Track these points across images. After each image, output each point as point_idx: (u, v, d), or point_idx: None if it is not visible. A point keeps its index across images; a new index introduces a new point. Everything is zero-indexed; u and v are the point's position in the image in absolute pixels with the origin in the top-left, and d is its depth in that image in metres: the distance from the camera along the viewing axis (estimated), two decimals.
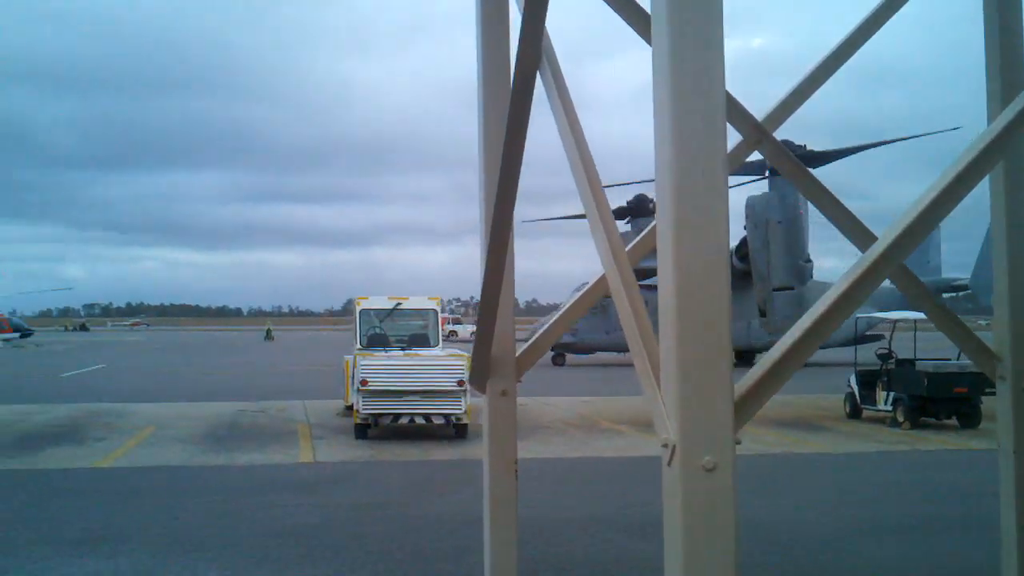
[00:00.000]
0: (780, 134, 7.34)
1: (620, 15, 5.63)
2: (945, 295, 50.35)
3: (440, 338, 21.07)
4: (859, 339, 48.10)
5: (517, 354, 6.34)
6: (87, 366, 42.65)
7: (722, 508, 3.27)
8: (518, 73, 4.63)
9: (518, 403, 6.44)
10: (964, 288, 49.24)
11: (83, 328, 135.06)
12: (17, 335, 71.72)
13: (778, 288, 36.95)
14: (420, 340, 20.57)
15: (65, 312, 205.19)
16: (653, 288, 3.61)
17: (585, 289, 6.50)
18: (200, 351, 63.30)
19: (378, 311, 21.11)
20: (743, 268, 40.59)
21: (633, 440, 17.75)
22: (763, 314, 40.50)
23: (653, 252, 3.72)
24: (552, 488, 12.85)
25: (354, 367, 18.01)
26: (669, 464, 3.34)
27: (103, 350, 60.81)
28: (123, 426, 19.53)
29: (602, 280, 5.77)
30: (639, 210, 46.03)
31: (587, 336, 44.89)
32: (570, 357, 46.04)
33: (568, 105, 5.02)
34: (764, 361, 3.87)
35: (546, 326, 6.74)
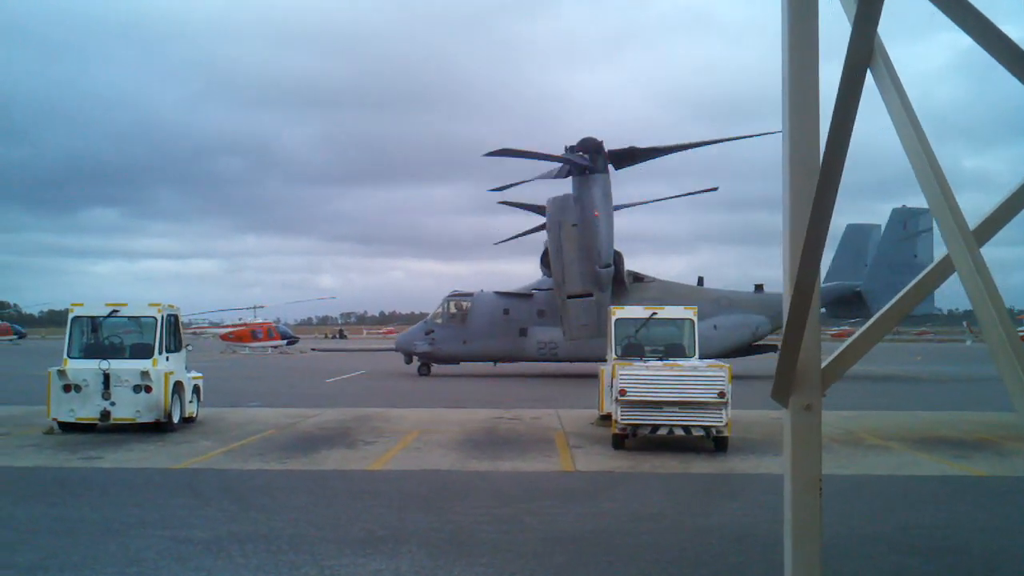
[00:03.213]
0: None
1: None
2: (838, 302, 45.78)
3: (697, 348, 20.69)
4: (751, 349, 44.31)
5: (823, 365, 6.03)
6: (349, 372, 44.85)
7: None
8: (848, 68, 4.37)
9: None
10: (857, 294, 44.41)
11: (341, 335, 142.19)
12: (284, 342, 76.48)
13: (574, 295, 36.41)
14: (676, 350, 20.30)
15: (324, 320, 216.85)
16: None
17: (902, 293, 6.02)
18: None
19: (633, 320, 21.00)
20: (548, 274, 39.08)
21: (906, 458, 16.76)
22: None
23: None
24: (843, 506, 12.26)
25: (611, 377, 17.95)
26: None
27: (362, 357, 63.70)
28: (389, 430, 20.32)
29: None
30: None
31: (444, 346, 42.85)
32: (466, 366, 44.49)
33: (904, 97, 4.70)
34: None
35: (856, 335, 6.35)
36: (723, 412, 16.63)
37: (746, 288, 43.97)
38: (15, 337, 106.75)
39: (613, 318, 20.76)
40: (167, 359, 20.12)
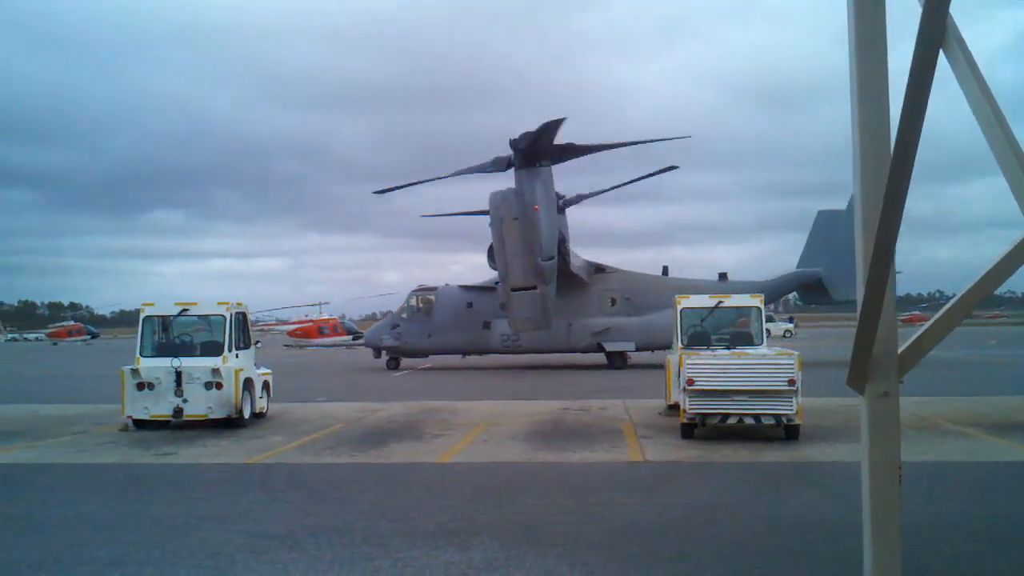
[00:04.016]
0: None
1: None
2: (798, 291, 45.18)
3: (764, 336, 20.47)
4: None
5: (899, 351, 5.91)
6: (414, 365, 45.12)
7: None
8: (919, 48, 4.26)
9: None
10: (819, 281, 43.44)
11: None
12: (350, 338, 77.12)
13: (518, 288, 35.97)
14: (743, 338, 20.10)
15: (386, 315, 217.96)
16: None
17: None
18: None
19: (699, 309, 20.84)
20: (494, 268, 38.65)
21: (984, 444, 16.40)
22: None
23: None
24: (921, 494, 12.04)
25: (678, 366, 17.82)
26: None
27: None
28: (457, 423, 20.41)
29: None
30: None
31: (410, 339, 42.84)
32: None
33: (979, 77, 4.57)
34: None
35: (933, 320, 6.20)
36: (793, 400, 16.42)
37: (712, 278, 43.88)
38: (88, 337, 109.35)
39: (679, 307, 20.61)
40: (236, 356, 20.42)
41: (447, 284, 44.11)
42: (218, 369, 19.63)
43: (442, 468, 14.87)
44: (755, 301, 20.85)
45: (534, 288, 35.32)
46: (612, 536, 10.01)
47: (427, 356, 44.30)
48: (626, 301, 41.95)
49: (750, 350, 18.35)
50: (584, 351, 42.40)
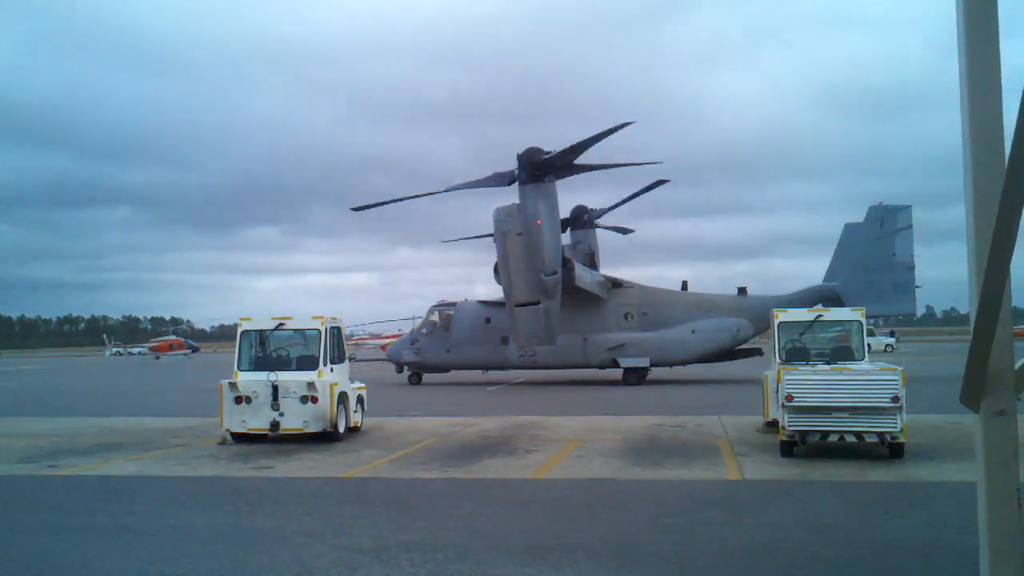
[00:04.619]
0: None
1: None
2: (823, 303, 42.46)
3: (866, 351, 19.89)
4: (733, 353, 42.71)
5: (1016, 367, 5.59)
6: (509, 380, 45.15)
7: None
8: None
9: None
10: (835, 297, 40.82)
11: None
12: None
13: (522, 303, 35.19)
14: (843, 353, 19.56)
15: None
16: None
17: None
18: None
19: (797, 323, 20.38)
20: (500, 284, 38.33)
21: None
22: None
23: None
24: None
25: (776, 382, 17.41)
26: None
27: None
28: (549, 438, 20.27)
29: None
30: (575, 222, 45.38)
31: (429, 355, 42.63)
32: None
33: None
34: None
35: None
36: (898, 417, 15.87)
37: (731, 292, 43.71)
38: (188, 351, 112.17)
39: (776, 321, 20.15)
40: (331, 370, 20.61)
41: (466, 299, 44.37)
42: (313, 383, 19.84)
43: (535, 484, 14.73)
44: (856, 315, 20.30)
45: (538, 303, 35.35)
46: (714, 557, 9.74)
47: (447, 371, 44.37)
48: (643, 316, 41.94)
49: (851, 365, 17.82)
50: (600, 367, 42.46)
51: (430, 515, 12.26)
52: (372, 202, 40.01)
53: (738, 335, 41.42)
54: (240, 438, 20.22)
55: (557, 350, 40.18)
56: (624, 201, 45.40)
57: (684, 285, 44.02)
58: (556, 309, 35.87)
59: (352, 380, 22.21)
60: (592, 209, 46.81)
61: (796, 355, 19.53)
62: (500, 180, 35.76)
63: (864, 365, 18.17)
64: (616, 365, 41.50)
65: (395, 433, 21.83)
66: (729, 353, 42.30)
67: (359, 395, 22.25)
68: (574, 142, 34.51)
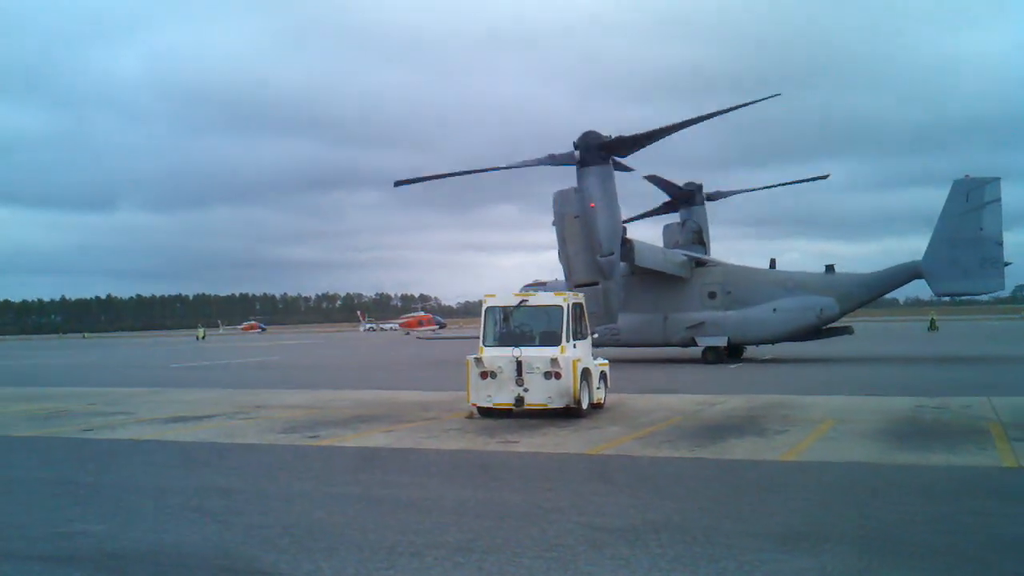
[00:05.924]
0: None
1: None
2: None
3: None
4: (818, 332, 40.89)
5: None
6: (760, 355, 44.00)
7: None
8: None
9: None
10: (918, 273, 38.55)
11: None
12: None
13: (581, 284, 34.70)
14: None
15: None
16: None
17: None
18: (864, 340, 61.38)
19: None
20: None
21: None
22: None
23: None
24: None
25: None
26: None
27: None
28: (800, 418, 19.46)
29: None
30: (690, 199, 48.39)
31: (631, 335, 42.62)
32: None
33: None
34: None
35: None
36: None
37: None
38: (436, 327, 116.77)
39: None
40: (574, 346, 20.60)
41: (556, 279, 44.28)
42: (556, 359, 19.89)
43: (786, 466, 14.10)
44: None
45: (596, 284, 36.36)
46: (985, 551, 8.91)
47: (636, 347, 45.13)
48: (727, 295, 41.94)
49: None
50: (680, 345, 42.73)
51: (676, 495, 11.94)
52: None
53: (822, 314, 40.75)
54: (486, 412, 20.59)
55: (639, 328, 42.28)
56: (769, 187, 48.35)
57: (772, 263, 43.98)
58: (615, 289, 37.26)
59: (595, 357, 22.14)
60: (711, 192, 49.99)
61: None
62: (557, 162, 37.53)
63: None
64: (694, 344, 42.09)
65: (640, 410, 21.60)
66: (815, 332, 41.77)
67: (602, 371, 22.16)
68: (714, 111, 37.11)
